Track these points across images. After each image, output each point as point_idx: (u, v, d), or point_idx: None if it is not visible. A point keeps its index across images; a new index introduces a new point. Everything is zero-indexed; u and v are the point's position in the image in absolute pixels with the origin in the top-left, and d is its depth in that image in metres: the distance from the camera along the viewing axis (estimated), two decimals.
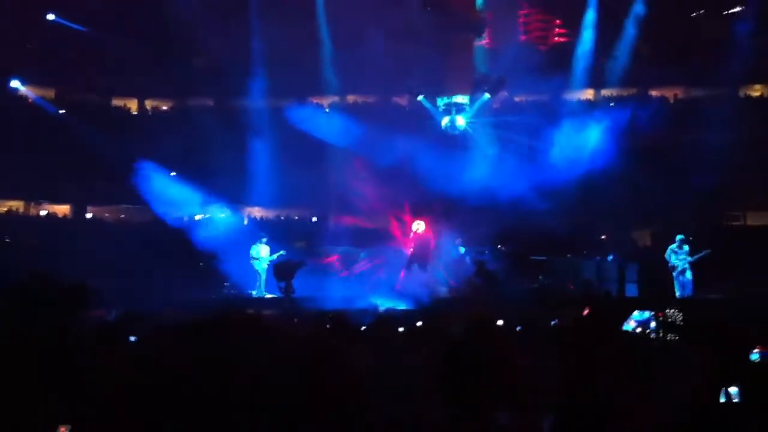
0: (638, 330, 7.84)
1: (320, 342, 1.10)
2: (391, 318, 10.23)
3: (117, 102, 31.80)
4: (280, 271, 20.36)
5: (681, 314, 7.20)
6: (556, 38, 28.75)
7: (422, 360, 2.60)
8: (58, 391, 2.60)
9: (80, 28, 27.07)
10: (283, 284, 20.25)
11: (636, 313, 8.22)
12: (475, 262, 20.96)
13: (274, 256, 20.62)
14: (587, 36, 27.10)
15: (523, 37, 27.74)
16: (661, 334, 7.06)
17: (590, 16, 27.10)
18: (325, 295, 18.88)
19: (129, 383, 0.99)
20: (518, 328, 7.50)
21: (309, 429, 0.98)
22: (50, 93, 29.38)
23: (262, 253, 20.79)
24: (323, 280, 20.79)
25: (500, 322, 7.71)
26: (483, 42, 27.49)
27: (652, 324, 7.61)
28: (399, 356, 2.54)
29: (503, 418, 2.42)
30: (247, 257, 21.13)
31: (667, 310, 7.42)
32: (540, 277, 20.35)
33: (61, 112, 28.45)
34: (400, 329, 8.09)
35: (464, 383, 2.46)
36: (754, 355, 4.59)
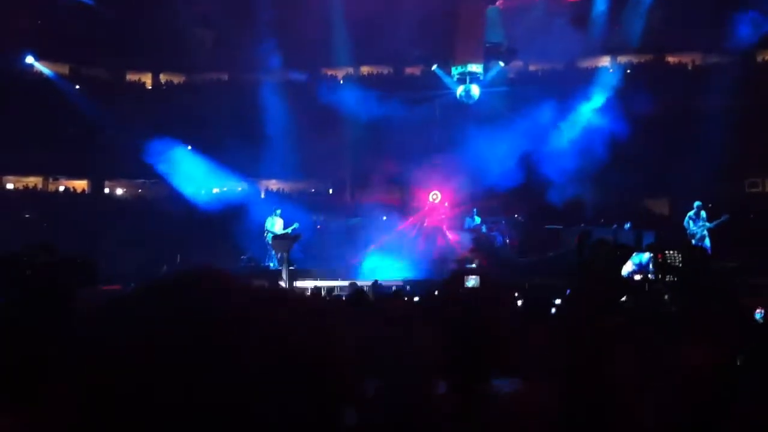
0: (636, 277, 7.78)
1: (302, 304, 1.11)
2: (406, 290, 10.27)
3: (131, 77, 31.80)
4: (278, 243, 20.48)
5: (680, 256, 7.11)
6: None
7: (431, 330, 2.61)
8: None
9: (92, 2, 26.97)
10: (281, 256, 20.41)
11: (635, 255, 8.16)
12: (473, 234, 20.97)
13: (289, 230, 20.64)
14: None
15: None
16: (659, 276, 6.99)
17: None
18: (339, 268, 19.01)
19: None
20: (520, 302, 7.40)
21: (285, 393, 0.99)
22: (64, 69, 29.40)
23: (277, 226, 20.82)
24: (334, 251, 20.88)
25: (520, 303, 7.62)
26: (497, 3, 26.87)
27: (651, 267, 7.55)
28: (406, 327, 2.54)
29: (502, 386, 2.42)
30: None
31: (667, 251, 7.33)
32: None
33: (75, 87, 28.47)
34: (416, 299, 8.09)
35: (467, 350, 2.47)
36: (757, 315, 4.58)
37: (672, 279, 6.77)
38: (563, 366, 2.34)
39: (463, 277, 2.81)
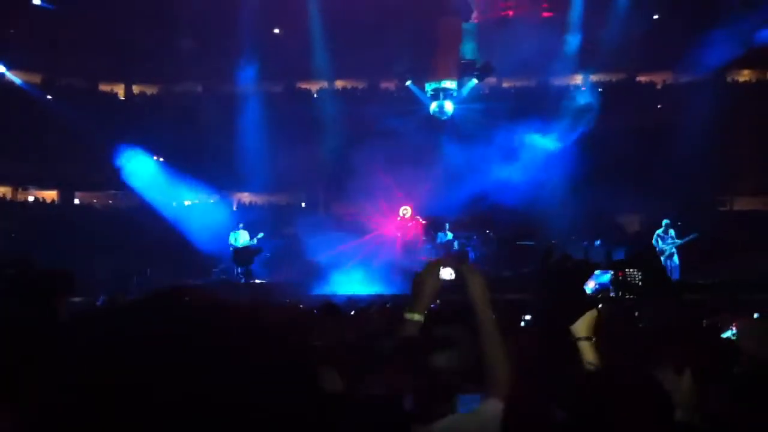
0: (599, 295, 7.85)
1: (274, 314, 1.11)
2: (378, 303, 10.26)
3: (104, 87, 31.57)
4: (240, 256, 20.50)
5: (640, 274, 7.19)
6: (544, 13, 27.93)
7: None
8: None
9: (65, 11, 26.70)
10: (243, 269, 20.46)
11: (598, 274, 8.22)
12: (445, 250, 20.97)
13: (254, 240, 20.68)
14: (575, 13, 26.64)
15: (510, 13, 27.25)
16: (619, 294, 7.07)
17: None
18: (310, 283, 18.91)
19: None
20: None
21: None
22: (36, 78, 29.12)
23: (241, 239, 20.81)
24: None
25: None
26: (473, 18, 26.87)
27: (611, 287, 7.62)
28: (379, 331, 2.55)
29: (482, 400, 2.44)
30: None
31: (627, 270, 7.42)
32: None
33: (47, 97, 28.18)
34: (387, 305, 8.10)
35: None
36: (728, 332, 4.61)
37: (631, 297, 6.85)
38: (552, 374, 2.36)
39: (439, 269, 2.80)
